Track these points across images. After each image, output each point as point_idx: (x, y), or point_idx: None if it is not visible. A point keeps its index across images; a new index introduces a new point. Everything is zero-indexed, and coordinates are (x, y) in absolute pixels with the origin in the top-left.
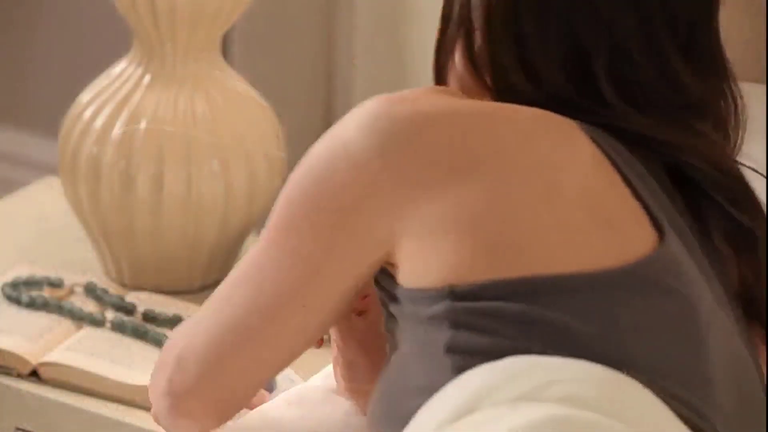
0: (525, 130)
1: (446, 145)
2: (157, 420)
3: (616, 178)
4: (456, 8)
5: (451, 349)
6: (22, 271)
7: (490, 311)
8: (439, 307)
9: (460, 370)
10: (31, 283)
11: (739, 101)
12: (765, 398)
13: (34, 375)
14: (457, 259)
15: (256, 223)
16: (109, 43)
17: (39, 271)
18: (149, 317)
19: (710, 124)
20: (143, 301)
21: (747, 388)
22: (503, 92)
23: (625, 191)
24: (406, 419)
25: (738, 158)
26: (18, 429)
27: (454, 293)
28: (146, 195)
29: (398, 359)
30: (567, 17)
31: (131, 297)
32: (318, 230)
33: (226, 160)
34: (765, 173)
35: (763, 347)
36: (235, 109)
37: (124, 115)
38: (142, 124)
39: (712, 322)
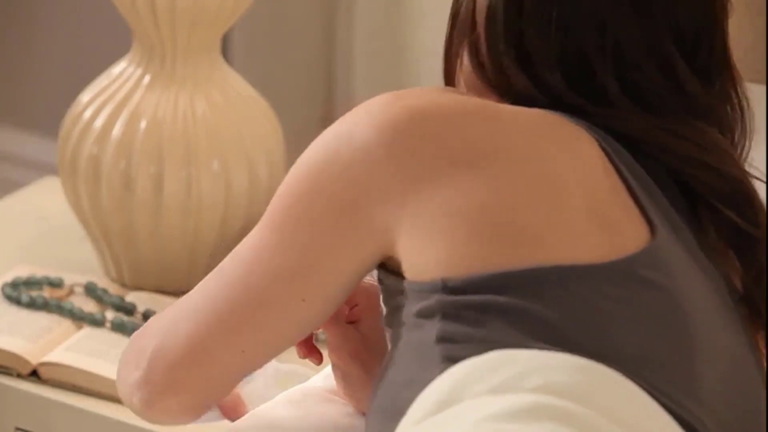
0: (528, 126)
1: (448, 138)
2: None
3: (614, 177)
4: (462, 8)
5: (441, 339)
6: (22, 271)
7: (479, 305)
8: (432, 300)
9: (449, 359)
10: (31, 283)
11: (745, 106)
12: (764, 398)
13: (34, 375)
14: (451, 251)
15: (256, 223)
16: (109, 43)
17: (39, 271)
18: (149, 317)
19: (716, 130)
20: (143, 301)
21: (745, 388)
22: (506, 93)
23: (621, 189)
24: (400, 414)
25: (744, 162)
26: (18, 429)
27: (447, 287)
28: (146, 195)
29: (394, 353)
30: (569, 23)
31: (131, 297)
32: (318, 220)
33: (226, 160)
34: (765, 174)
35: (765, 348)
36: (235, 109)
37: (124, 115)
38: (142, 124)
39: (706, 321)
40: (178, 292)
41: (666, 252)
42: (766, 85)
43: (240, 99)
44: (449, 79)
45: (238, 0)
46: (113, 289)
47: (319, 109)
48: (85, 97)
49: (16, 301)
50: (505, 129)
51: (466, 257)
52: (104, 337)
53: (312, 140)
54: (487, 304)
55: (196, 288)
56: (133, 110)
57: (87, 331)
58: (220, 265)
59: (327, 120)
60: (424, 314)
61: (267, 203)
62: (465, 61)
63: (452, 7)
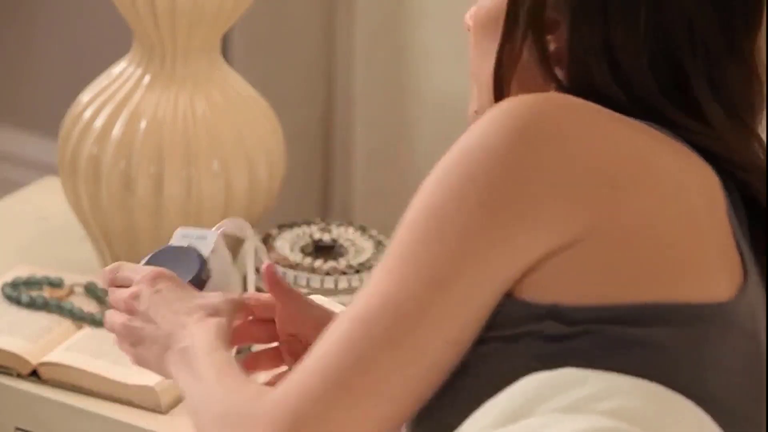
0: (664, 151)
1: (606, 154)
2: None
3: (724, 211)
4: (523, 16)
5: (538, 357)
6: (22, 271)
7: (587, 332)
8: (538, 323)
9: None
10: (31, 283)
11: (762, 77)
12: None
13: (34, 375)
14: (572, 277)
15: (256, 223)
16: (109, 43)
17: (39, 271)
18: None
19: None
20: None
21: None
22: (585, 97)
23: (728, 224)
24: (455, 424)
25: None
26: (18, 429)
27: (557, 313)
28: (146, 195)
29: (470, 363)
30: (657, 20)
31: None
32: (461, 238)
33: (226, 160)
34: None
35: None
36: (235, 109)
37: (124, 115)
38: (142, 124)
39: None
40: None
41: (754, 292)
42: (765, 86)
43: (240, 99)
44: (501, 89)
45: (238, 0)
46: None
47: (319, 109)
48: (85, 97)
49: (16, 301)
50: (647, 152)
51: (584, 285)
52: (104, 337)
53: (312, 140)
54: (594, 332)
55: (325, 342)
56: (133, 110)
57: (87, 331)
58: (345, 318)
59: (327, 120)
60: (524, 333)
61: (267, 203)
62: (527, 68)
63: (506, 20)
